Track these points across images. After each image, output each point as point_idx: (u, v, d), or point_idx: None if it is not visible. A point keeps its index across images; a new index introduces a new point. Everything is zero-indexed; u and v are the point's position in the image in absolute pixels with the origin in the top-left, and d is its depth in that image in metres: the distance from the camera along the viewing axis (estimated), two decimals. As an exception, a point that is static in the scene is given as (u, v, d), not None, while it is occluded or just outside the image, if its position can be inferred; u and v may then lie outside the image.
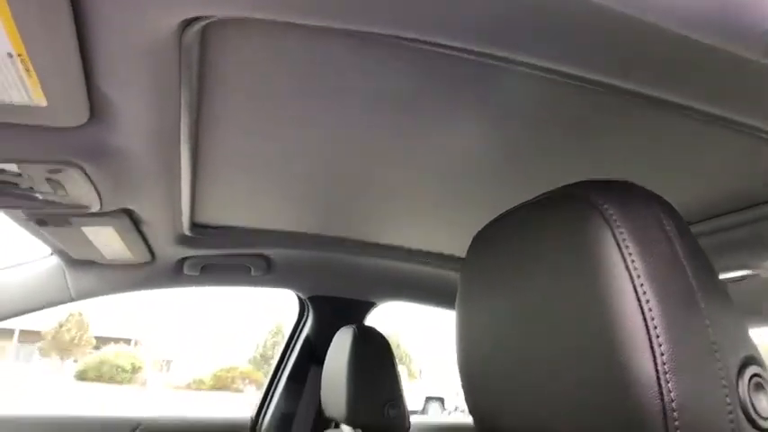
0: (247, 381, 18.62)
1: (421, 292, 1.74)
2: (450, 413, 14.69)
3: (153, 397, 14.77)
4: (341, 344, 1.23)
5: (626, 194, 0.45)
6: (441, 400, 14.69)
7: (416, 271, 1.57)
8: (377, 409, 1.15)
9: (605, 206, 0.43)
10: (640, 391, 0.38)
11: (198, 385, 18.02)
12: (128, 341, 19.79)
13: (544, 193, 0.51)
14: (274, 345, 19.96)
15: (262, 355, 20.24)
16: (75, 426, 1.52)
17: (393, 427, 1.16)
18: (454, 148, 0.90)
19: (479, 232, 0.59)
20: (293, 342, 1.76)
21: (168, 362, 20.56)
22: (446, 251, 1.49)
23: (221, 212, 1.25)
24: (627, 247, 0.41)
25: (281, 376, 1.73)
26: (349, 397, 1.15)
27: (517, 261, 0.51)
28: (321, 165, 0.98)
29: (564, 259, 0.45)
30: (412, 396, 13.46)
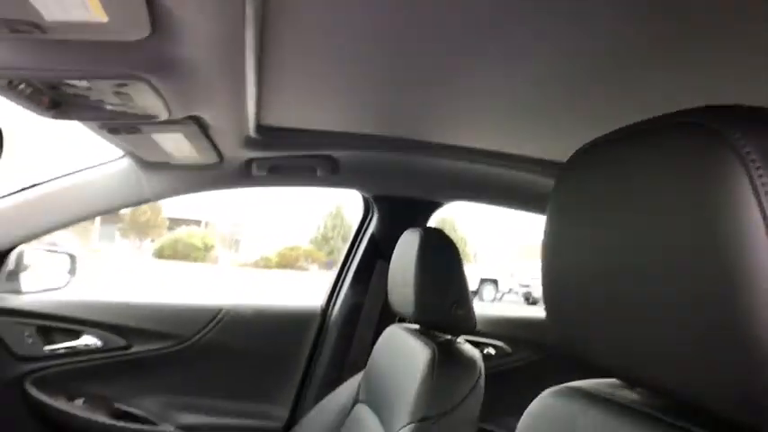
0: (310, 260, 19.63)
1: (491, 192, 1.71)
2: (503, 294, 15.19)
3: (224, 273, 15.85)
4: (408, 245, 1.24)
5: (758, 122, 0.39)
6: (494, 281, 15.13)
7: (487, 172, 1.52)
8: (444, 309, 1.17)
9: (735, 136, 0.38)
10: None
11: (265, 263, 19.15)
12: (198, 222, 20.96)
13: (661, 117, 0.45)
14: (334, 227, 20.71)
15: (323, 236, 21.11)
16: (162, 311, 1.64)
17: (459, 326, 1.19)
18: (553, 51, 0.81)
19: (583, 149, 0.54)
20: (359, 239, 1.79)
21: (237, 241, 21.81)
22: (527, 153, 1.42)
23: (287, 115, 1.23)
24: (763, 184, 0.36)
25: (348, 270, 1.79)
26: (417, 298, 1.17)
27: (626, 188, 0.47)
28: (392, 64, 0.93)
29: (682, 193, 0.41)
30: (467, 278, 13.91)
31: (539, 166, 1.44)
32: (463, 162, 1.47)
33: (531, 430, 0.63)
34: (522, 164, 1.45)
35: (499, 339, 1.89)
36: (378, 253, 1.76)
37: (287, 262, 19.14)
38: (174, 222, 19.62)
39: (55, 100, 0.83)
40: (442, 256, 1.20)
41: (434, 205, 1.76)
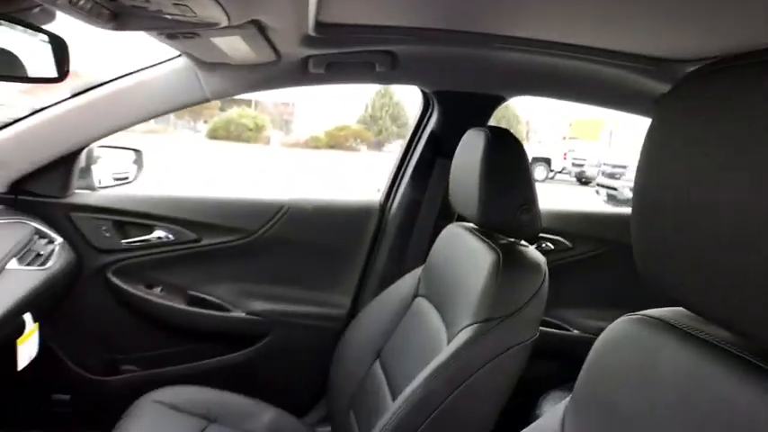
0: (359, 140, 19.62)
1: (560, 86, 1.61)
2: (555, 174, 14.94)
3: (275, 154, 16.11)
4: (473, 146, 1.20)
5: None
6: (547, 161, 14.83)
7: (556, 64, 1.42)
8: (509, 213, 1.15)
9: None
10: None
11: (315, 143, 19.29)
12: (249, 103, 21.01)
13: None
14: (382, 106, 20.38)
15: (371, 116, 20.90)
16: (228, 206, 1.70)
17: (524, 230, 1.18)
18: None
19: (692, 74, 0.49)
20: (418, 135, 1.76)
21: (287, 122, 21.89)
22: (601, 45, 1.31)
23: (346, 11, 1.16)
24: None
25: (407, 166, 1.78)
26: (481, 200, 1.15)
27: (737, 119, 0.43)
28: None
29: None
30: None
31: (614, 58, 1.33)
32: (529, 55, 1.37)
33: (609, 356, 0.64)
34: (595, 56, 1.34)
35: (558, 234, 1.88)
36: (438, 150, 1.73)
37: (336, 142, 19.21)
38: (226, 103, 19.73)
39: (114, 12, 0.81)
40: (508, 158, 1.17)
41: (497, 100, 1.68)
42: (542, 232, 1.86)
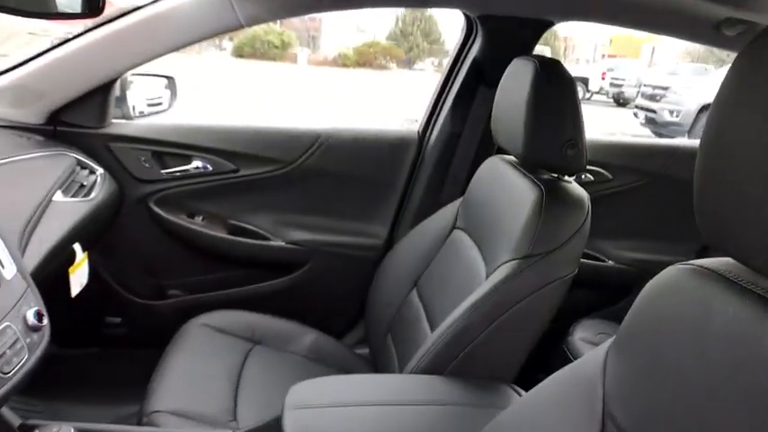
0: (389, 57, 19.09)
1: (614, 10, 1.50)
2: (592, 94, 14.41)
3: (302, 72, 15.85)
4: (519, 76, 1.15)
5: None
6: (584, 80, 14.26)
7: None
8: (555, 148, 1.12)
9: None
10: None
11: (343, 61, 18.87)
12: (274, 18, 20.40)
13: None
14: (413, 21, 19.64)
15: (401, 31, 20.21)
16: (265, 136, 1.69)
17: (569, 166, 1.15)
18: None
19: None
20: (460, 62, 1.69)
21: (314, 38, 21.35)
22: None
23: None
24: None
25: (447, 95, 1.72)
26: (526, 135, 1.12)
27: None
28: None
29: None
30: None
31: None
32: None
33: (657, 304, 0.63)
34: None
35: (599, 166, 1.84)
36: (480, 78, 1.66)
37: (365, 60, 18.76)
38: (251, 19, 19.21)
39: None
40: (557, 91, 1.12)
41: (544, 24, 1.59)
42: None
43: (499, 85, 1.25)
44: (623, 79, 13.52)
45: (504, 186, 1.25)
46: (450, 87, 1.72)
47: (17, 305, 0.88)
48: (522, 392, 1.06)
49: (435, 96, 1.76)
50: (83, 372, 1.68)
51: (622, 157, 1.88)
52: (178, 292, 1.74)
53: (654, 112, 8.76)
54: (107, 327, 1.72)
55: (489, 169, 1.36)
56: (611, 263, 1.91)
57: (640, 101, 9.58)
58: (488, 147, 1.66)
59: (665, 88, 8.97)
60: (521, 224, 1.11)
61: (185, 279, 1.73)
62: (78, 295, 1.39)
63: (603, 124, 9.83)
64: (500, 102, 1.25)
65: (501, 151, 1.33)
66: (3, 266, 0.93)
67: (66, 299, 1.34)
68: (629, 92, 12.89)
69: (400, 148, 1.75)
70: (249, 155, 1.66)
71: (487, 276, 1.14)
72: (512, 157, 1.29)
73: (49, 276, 1.26)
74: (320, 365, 1.48)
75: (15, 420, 0.97)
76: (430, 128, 1.75)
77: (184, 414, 1.16)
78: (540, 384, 0.78)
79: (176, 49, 1.45)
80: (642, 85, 10.18)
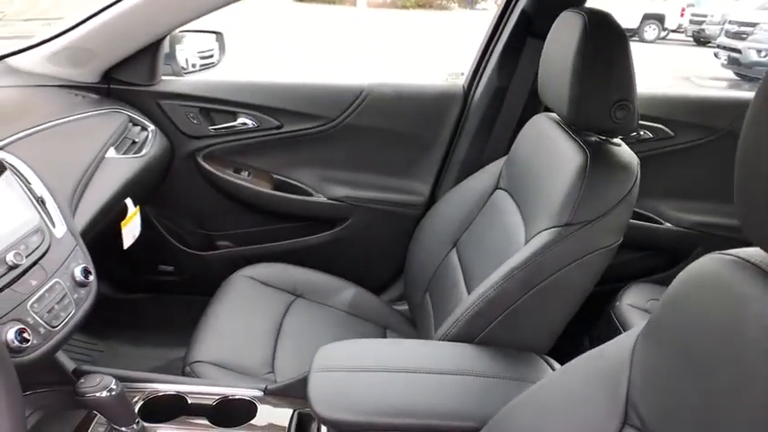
0: (450, -4, 18.39)
1: None
2: (668, 33, 13.40)
3: (363, 15, 15.53)
4: (567, 30, 1.08)
5: None
6: (659, 18, 13.24)
7: None
8: (603, 110, 1.06)
9: None
10: None
11: (402, 2, 18.32)
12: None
13: None
14: (477, -43, 18.72)
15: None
16: (308, 92, 1.68)
17: (618, 129, 1.08)
18: None
19: None
20: (507, 14, 1.60)
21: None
22: None
23: None
24: None
25: (493, 48, 1.65)
26: (572, 95, 1.06)
27: None
28: None
29: None
30: (627, 14, 12.25)
31: None
32: None
33: (691, 294, 0.60)
34: None
35: (660, 122, 1.73)
36: (529, 29, 1.57)
37: (425, 0, 18.15)
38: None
39: None
40: (607, 47, 1.04)
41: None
42: (643, 120, 1.72)
43: (546, 40, 1.18)
44: (705, 15, 12.46)
45: (549, 147, 1.20)
46: (498, 39, 1.64)
47: (66, 262, 0.94)
48: (556, 365, 1.05)
49: (482, 48, 1.69)
50: (138, 315, 1.80)
51: (686, 112, 1.75)
52: (226, 243, 1.80)
53: (738, 51, 8.09)
54: (161, 274, 1.82)
55: (535, 128, 1.31)
56: (668, 225, 1.82)
57: (723, 39, 8.85)
58: (536, 103, 1.59)
59: (753, 25, 8.23)
60: (562, 190, 1.07)
61: (232, 231, 1.79)
62: (135, 244, 1.47)
63: (679, 66, 9.21)
64: (546, 57, 1.18)
65: (549, 109, 1.26)
66: (54, 225, 0.98)
67: (122, 250, 1.42)
68: (710, 30, 11.88)
69: (444, 103, 1.70)
70: (293, 111, 1.66)
71: (527, 241, 1.12)
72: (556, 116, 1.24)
73: (104, 229, 1.33)
74: (359, 320, 1.52)
75: (70, 365, 1.04)
76: (476, 82, 1.69)
77: (224, 364, 1.22)
78: (569, 365, 0.76)
79: (224, 5, 1.44)
80: (727, 22, 9.37)
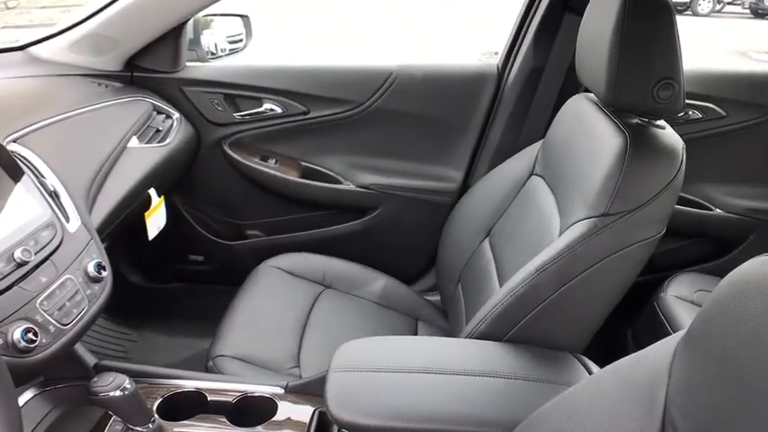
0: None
1: None
2: (724, 5, 12.72)
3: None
4: (606, 4, 0.99)
5: None
6: (715, -9, 12.57)
7: None
8: (644, 89, 0.97)
9: None
10: None
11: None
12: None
13: None
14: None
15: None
16: (333, 75, 1.63)
17: (661, 110, 0.99)
18: None
19: None
20: (544, -12, 1.50)
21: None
22: None
23: None
24: None
25: (529, 25, 1.55)
26: (611, 74, 0.97)
27: None
28: None
29: None
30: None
31: None
32: None
33: (734, 301, 0.52)
34: None
35: (711, 101, 1.60)
36: (566, 5, 1.47)
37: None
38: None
39: None
40: (650, 22, 0.95)
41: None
42: (692, 98, 1.60)
43: (584, 14, 1.09)
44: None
45: (587, 131, 1.11)
46: (533, 15, 1.54)
47: (79, 257, 0.92)
48: (592, 366, 0.97)
49: (517, 26, 1.59)
50: (170, 305, 1.80)
51: (739, 89, 1.62)
52: (255, 233, 1.78)
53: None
54: (191, 264, 1.81)
55: (573, 109, 1.22)
56: (718, 211, 1.70)
57: (785, 10, 8.34)
58: (574, 83, 1.50)
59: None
60: (600, 177, 0.99)
61: (261, 221, 1.76)
62: (164, 234, 1.46)
63: (734, 40, 8.72)
64: (584, 33, 1.09)
65: (589, 89, 1.17)
66: (68, 220, 0.96)
67: (153, 238, 1.41)
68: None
69: (478, 84, 1.61)
70: (319, 96, 1.61)
71: (561, 232, 1.04)
72: (592, 96, 1.15)
73: (131, 220, 1.31)
74: (390, 311, 1.47)
75: (91, 360, 1.03)
76: (510, 62, 1.60)
77: (247, 359, 1.20)
78: (603, 371, 0.70)
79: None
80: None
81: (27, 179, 0.93)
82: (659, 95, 0.96)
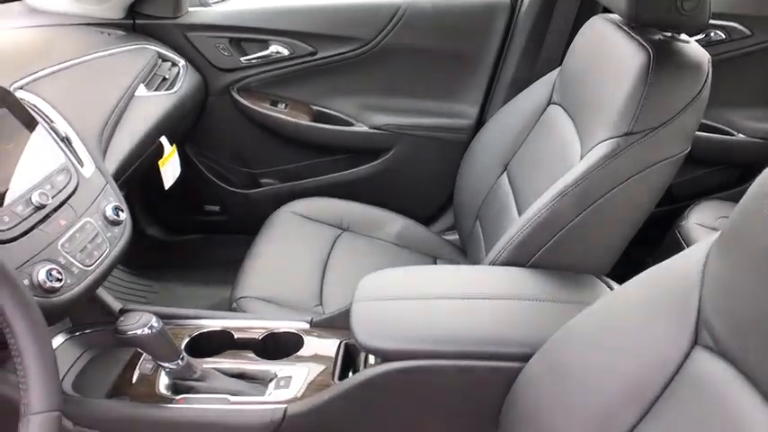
0: None
1: None
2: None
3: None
4: None
5: None
6: None
7: None
8: (667, 1, 0.93)
9: None
10: None
11: None
12: None
13: None
14: None
15: None
16: (339, 13, 1.58)
17: (686, 23, 0.95)
18: None
19: None
20: None
21: None
22: None
23: None
24: None
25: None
26: None
27: None
28: None
29: None
30: None
31: None
32: None
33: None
34: None
35: (734, 20, 1.53)
36: None
37: None
38: None
39: None
40: None
41: None
42: (714, 18, 1.53)
43: None
44: None
45: (607, 52, 1.07)
46: None
47: (96, 201, 0.91)
48: (616, 286, 0.97)
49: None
50: (189, 256, 1.81)
51: (765, 5, 1.55)
52: (270, 180, 1.76)
53: None
54: (207, 214, 1.81)
55: (591, 32, 1.17)
56: (741, 136, 1.66)
57: None
58: (590, 7, 1.44)
59: None
60: (622, 96, 0.96)
61: (275, 168, 1.75)
62: (180, 185, 1.45)
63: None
64: None
65: (608, 10, 1.13)
66: (82, 165, 0.95)
67: (169, 190, 1.40)
68: None
69: (490, 14, 1.56)
70: (326, 35, 1.57)
71: (582, 157, 1.02)
72: (618, 17, 1.10)
73: (144, 170, 1.31)
74: (408, 251, 1.47)
75: (116, 305, 1.04)
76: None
77: (271, 299, 1.20)
78: (632, 281, 0.69)
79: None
80: None
81: (39, 126, 0.91)
82: (684, 6, 0.92)
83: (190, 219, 1.82)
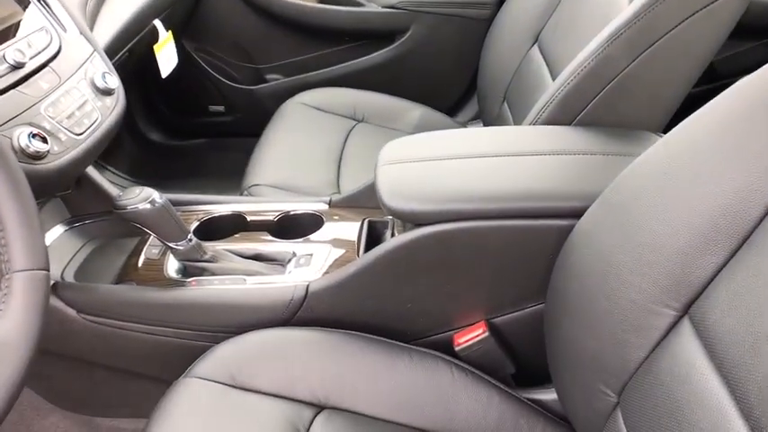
0: None
1: None
2: None
3: None
4: None
5: None
6: None
7: None
8: None
9: None
10: None
11: None
12: None
13: None
14: None
15: None
16: None
17: None
18: None
19: None
20: None
21: None
22: None
23: None
24: None
25: None
26: None
27: None
28: None
29: None
30: None
31: None
32: None
33: None
34: None
35: None
36: None
37: None
38: None
39: None
40: None
41: None
42: None
43: None
44: None
45: None
46: None
47: (82, 68, 0.81)
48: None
49: None
50: (195, 161, 1.71)
51: None
52: (276, 75, 1.63)
53: None
54: (212, 115, 1.69)
55: None
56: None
57: None
58: None
59: None
60: None
61: (281, 62, 1.61)
62: (180, 85, 1.34)
63: None
64: None
65: None
66: (65, 30, 0.84)
67: (169, 90, 1.29)
68: None
69: None
70: None
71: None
72: None
73: (138, 52, 1.20)
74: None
75: (113, 191, 0.96)
76: None
77: (285, 187, 1.11)
78: (698, 113, 0.58)
79: None
80: None
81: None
82: None
83: (193, 121, 1.71)
